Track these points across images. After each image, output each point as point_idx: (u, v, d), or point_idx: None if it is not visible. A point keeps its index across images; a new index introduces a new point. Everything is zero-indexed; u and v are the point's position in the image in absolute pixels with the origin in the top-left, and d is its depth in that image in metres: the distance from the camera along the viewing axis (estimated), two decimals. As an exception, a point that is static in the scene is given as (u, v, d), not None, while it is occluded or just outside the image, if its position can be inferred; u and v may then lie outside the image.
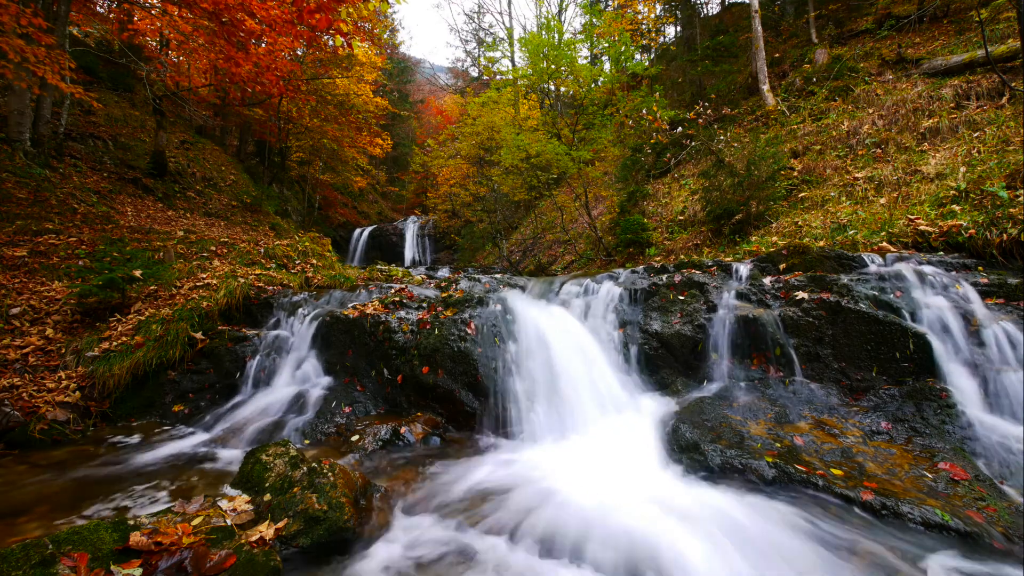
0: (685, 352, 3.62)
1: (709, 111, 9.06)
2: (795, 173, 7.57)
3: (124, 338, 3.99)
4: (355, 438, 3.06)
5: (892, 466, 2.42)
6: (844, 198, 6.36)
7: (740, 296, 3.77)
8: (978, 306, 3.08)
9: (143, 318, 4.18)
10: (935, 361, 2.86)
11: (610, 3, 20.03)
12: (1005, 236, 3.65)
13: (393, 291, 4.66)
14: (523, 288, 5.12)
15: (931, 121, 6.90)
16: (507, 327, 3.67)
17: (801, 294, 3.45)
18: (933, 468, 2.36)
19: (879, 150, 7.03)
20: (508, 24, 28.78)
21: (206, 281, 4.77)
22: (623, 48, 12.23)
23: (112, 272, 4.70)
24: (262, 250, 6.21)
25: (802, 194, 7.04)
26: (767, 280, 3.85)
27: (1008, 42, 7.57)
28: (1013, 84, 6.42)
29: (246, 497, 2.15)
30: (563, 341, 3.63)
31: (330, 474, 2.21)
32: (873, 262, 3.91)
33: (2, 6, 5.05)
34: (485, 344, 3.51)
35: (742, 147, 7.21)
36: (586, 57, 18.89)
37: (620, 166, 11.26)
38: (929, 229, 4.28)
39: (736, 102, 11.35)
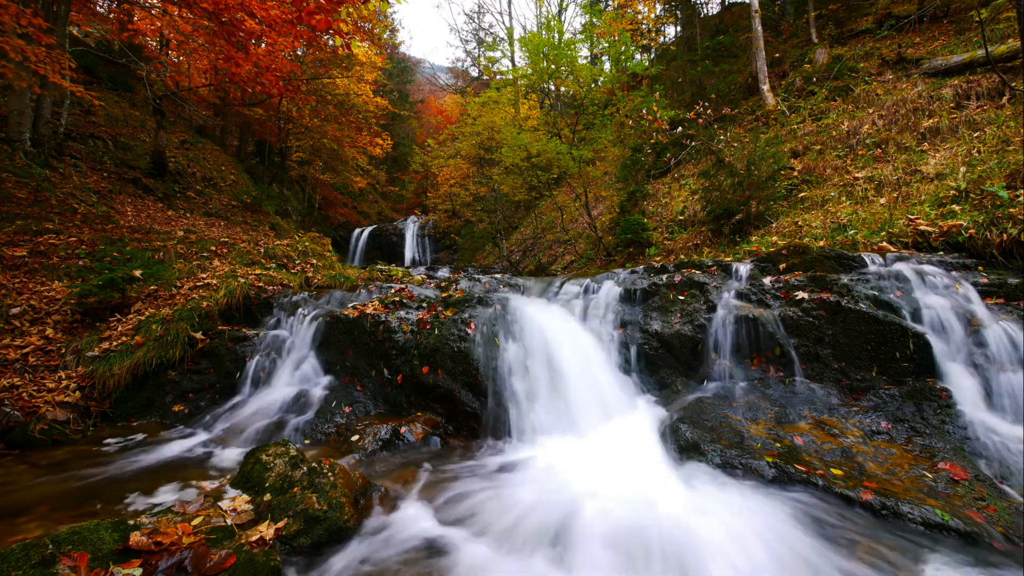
0: (685, 352, 3.62)
1: (709, 111, 9.06)
2: (795, 173, 7.57)
3: (124, 338, 3.99)
4: (355, 438, 3.06)
5: (892, 466, 2.42)
6: (844, 198, 6.36)
7: (740, 296, 3.77)
8: (978, 306, 3.08)
9: (143, 318, 4.18)
10: (935, 361, 2.86)
11: (610, 3, 20.03)
12: (1005, 236, 3.65)
13: (393, 291, 4.66)
14: (523, 288, 5.12)
15: (931, 121, 6.89)
16: (507, 327, 3.67)
17: (801, 294, 3.45)
18: (933, 468, 2.36)
19: (879, 150, 7.03)
20: (508, 24, 28.78)
21: (206, 281, 4.77)
22: (623, 48, 12.21)
23: (112, 272, 4.70)
24: (262, 250, 6.21)
25: (802, 194, 7.04)
26: (767, 280, 3.85)
27: (1008, 42, 7.57)
28: (1013, 84, 6.42)
29: (246, 497, 2.15)
30: (563, 341, 3.62)
31: (330, 474, 2.21)
32: (873, 262, 3.91)
33: (2, 6, 5.05)
34: (485, 344, 3.51)
35: (742, 147, 7.21)
36: (586, 57, 18.89)
37: (620, 166, 11.26)
38: (929, 229, 4.28)
39: (736, 102, 11.35)
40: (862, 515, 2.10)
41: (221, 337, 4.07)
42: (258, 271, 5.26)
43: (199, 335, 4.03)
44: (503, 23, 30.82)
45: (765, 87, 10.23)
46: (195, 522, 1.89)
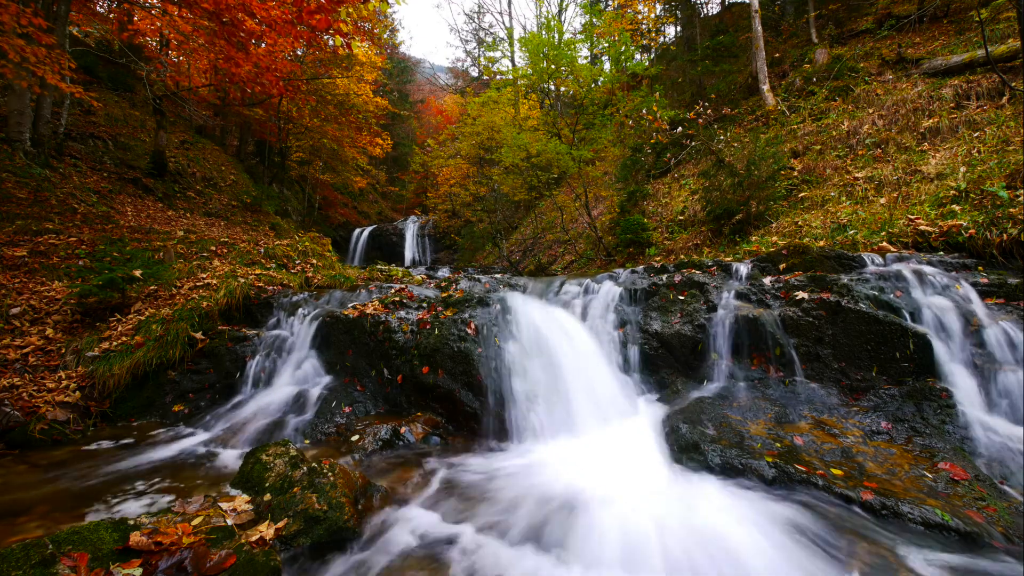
0: (685, 352, 3.62)
1: (709, 111, 9.06)
2: (795, 173, 7.57)
3: (124, 338, 3.99)
4: (355, 438, 3.06)
5: (892, 466, 2.42)
6: (844, 198, 6.36)
7: (740, 296, 3.77)
8: (978, 306, 3.08)
9: (143, 318, 4.18)
10: (935, 361, 2.86)
11: (610, 3, 20.03)
12: (1005, 236, 3.65)
13: (393, 291, 4.66)
14: (523, 288, 5.12)
15: (931, 121, 6.89)
16: (507, 327, 3.67)
17: (801, 294, 3.45)
18: (933, 468, 2.36)
19: (879, 150, 7.03)
20: (508, 24, 28.74)
21: (206, 281, 4.77)
22: (623, 48, 12.23)
23: (112, 272, 4.70)
24: (262, 250, 6.21)
25: (802, 194, 7.04)
26: (767, 280, 3.85)
27: (1008, 42, 7.57)
28: (1013, 84, 6.42)
29: (246, 497, 2.15)
30: (563, 341, 3.62)
31: (330, 474, 2.21)
32: (873, 262, 3.91)
33: (2, 6, 5.05)
34: (485, 344, 3.51)
35: (742, 147, 7.21)
36: (586, 57, 18.90)
37: (620, 166, 11.26)
38: (929, 229, 4.28)
39: (736, 102, 11.35)
40: (862, 515, 2.10)
41: (221, 337, 4.07)
42: (258, 271, 5.26)
43: (199, 335, 4.03)
44: (503, 23, 30.80)
45: (765, 87, 10.23)
46: (195, 522, 1.89)
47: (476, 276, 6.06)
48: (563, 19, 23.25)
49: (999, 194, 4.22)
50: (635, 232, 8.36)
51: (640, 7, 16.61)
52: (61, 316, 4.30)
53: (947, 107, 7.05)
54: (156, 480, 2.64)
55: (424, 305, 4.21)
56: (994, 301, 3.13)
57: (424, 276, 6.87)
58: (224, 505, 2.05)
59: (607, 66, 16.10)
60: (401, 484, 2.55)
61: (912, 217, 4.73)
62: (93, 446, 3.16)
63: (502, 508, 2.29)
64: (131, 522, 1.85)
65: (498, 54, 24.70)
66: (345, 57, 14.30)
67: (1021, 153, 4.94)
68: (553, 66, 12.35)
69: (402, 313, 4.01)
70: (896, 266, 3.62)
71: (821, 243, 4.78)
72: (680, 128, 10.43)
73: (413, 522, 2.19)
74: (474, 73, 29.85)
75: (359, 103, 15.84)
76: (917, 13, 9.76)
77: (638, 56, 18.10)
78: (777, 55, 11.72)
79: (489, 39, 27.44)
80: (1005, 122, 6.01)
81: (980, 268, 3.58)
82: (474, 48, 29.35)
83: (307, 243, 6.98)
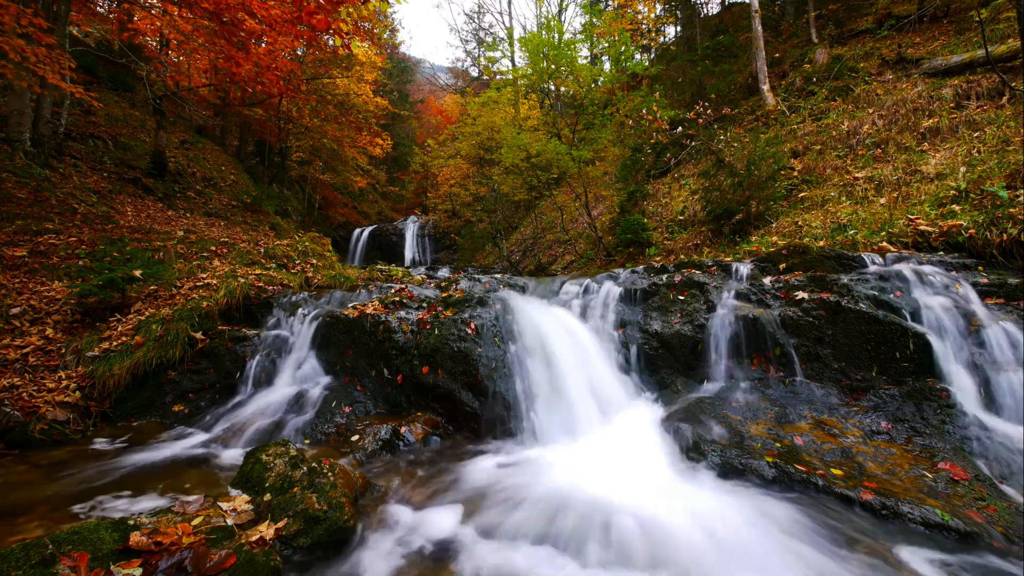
0: (685, 352, 3.62)
1: (709, 111, 9.05)
2: (795, 173, 7.57)
3: (124, 338, 3.99)
4: (355, 438, 3.06)
5: (892, 466, 2.42)
6: (844, 198, 6.36)
7: (740, 296, 3.77)
8: (978, 306, 3.08)
9: (143, 318, 4.18)
10: (935, 361, 2.86)
11: (610, 3, 20.03)
12: (1005, 236, 3.65)
13: (393, 291, 4.66)
14: (523, 288, 5.12)
15: (931, 121, 6.89)
16: (507, 327, 3.67)
17: (801, 294, 3.45)
18: (933, 468, 2.36)
19: (879, 150, 7.03)
20: (508, 24, 28.75)
21: (206, 281, 4.77)
22: (623, 48, 12.24)
23: (112, 272, 4.70)
24: (262, 250, 6.21)
25: (802, 194, 7.03)
26: (767, 280, 3.85)
27: (1008, 42, 7.57)
28: (1013, 84, 6.42)
29: (246, 497, 2.15)
30: (563, 341, 3.63)
31: (330, 474, 2.21)
32: (873, 262, 3.91)
33: (2, 6, 5.05)
34: (485, 344, 3.51)
35: (742, 147, 7.21)
36: (586, 57, 18.91)
37: (620, 166, 11.26)
38: (929, 229, 4.28)
39: (736, 102, 11.34)
40: (862, 515, 2.10)
41: (221, 337, 4.07)
42: (258, 271, 5.26)
43: (199, 335, 4.03)
44: (503, 23, 30.81)
45: (765, 87, 10.23)
46: (195, 522, 1.89)
47: (476, 276, 6.06)
48: (563, 19, 23.27)
49: (999, 194, 4.22)
50: (635, 232, 8.36)
51: (640, 7, 16.60)
52: (61, 316, 4.30)
53: (947, 107, 7.05)
54: (156, 480, 2.64)
55: (424, 305, 4.21)
56: (994, 301, 3.13)
57: (424, 276, 6.86)
58: (224, 505, 2.06)
59: (607, 66, 16.11)
60: (401, 484, 2.55)
61: (912, 217, 4.73)
62: (93, 446, 3.16)
63: (502, 508, 2.29)
64: (131, 522, 1.85)
65: (498, 54, 24.73)
66: (345, 57, 14.29)
67: (1021, 153, 4.94)
68: (553, 66, 12.37)
69: (402, 313, 4.01)
70: (896, 266, 3.62)
71: (821, 243, 4.78)
72: (680, 128, 10.42)
73: (413, 522, 2.19)
74: (474, 73, 29.86)
75: (359, 103, 15.84)
76: (917, 13, 9.76)
77: (638, 56, 18.10)
78: (777, 55, 11.71)
79: (489, 39, 27.45)
80: (1005, 122, 6.01)
81: (980, 268, 3.58)
82: (474, 48, 29.37)
83: (307, 243, 6.98)
